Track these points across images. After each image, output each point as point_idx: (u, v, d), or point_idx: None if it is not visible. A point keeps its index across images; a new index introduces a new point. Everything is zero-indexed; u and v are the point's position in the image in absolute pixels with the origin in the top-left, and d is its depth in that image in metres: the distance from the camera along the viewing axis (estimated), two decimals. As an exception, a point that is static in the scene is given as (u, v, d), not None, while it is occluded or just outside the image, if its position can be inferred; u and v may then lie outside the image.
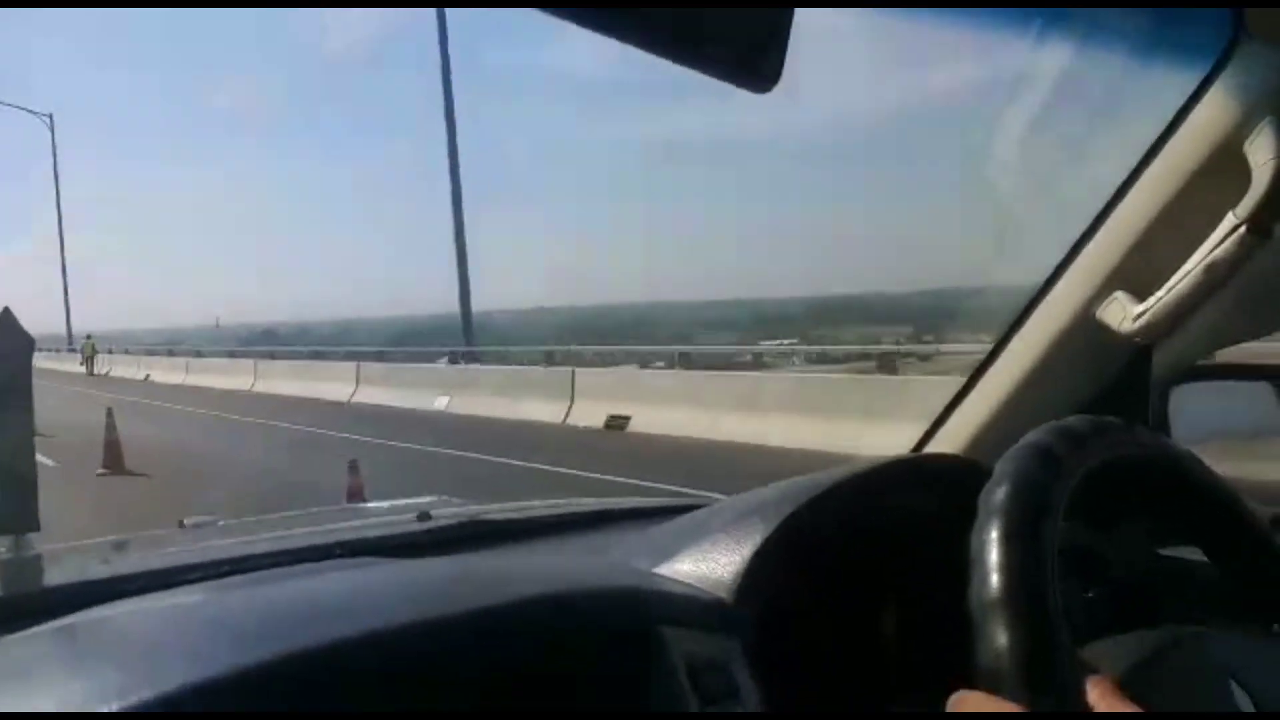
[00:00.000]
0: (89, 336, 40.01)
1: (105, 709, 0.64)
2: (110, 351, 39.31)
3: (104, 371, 36.07)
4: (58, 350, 44.11)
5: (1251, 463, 1.48)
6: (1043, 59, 1.23)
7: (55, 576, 1.30)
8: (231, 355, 31.22)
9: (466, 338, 25.14)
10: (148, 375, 32.06)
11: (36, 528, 1.31)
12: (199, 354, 33.62)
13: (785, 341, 25.27)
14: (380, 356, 24.67)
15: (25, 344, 1.35)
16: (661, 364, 19.11)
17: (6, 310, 1.36)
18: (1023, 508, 0.74)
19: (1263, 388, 1.49)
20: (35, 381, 1.37)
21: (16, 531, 1.29)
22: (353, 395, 21.08)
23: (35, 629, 0.90)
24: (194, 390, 26.05)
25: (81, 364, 36.82)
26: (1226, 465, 0.96)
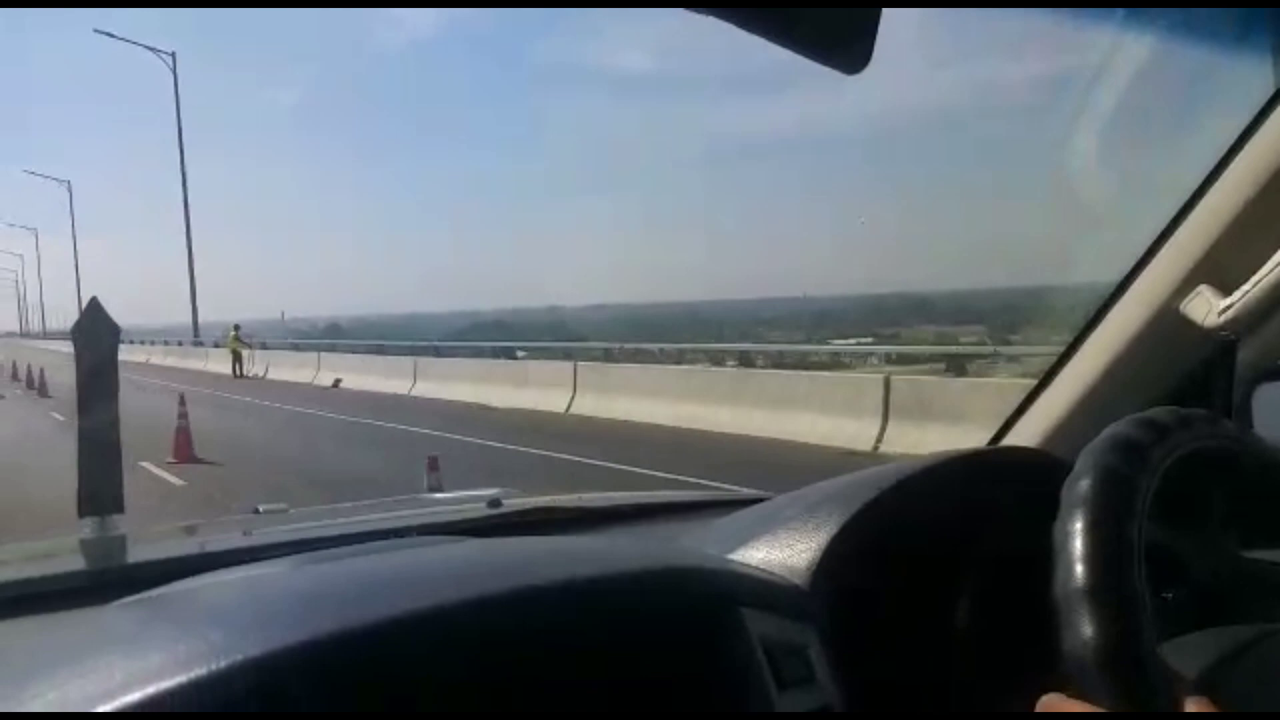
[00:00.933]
0: (236, 327, 30.94)
1: (207, 669, 0.67)
2: (265, 346, 31.67)
3: (258, 373, 28.19)
4: (180, 343, 38.90)
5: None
6: (1122, 53, 1.21)
7: (139, 554, 1.34)
8: (438, 352, 23.56)
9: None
10: (338, 381, 23.68)
11: (121, 510, 1.36)
12: (381, 349, 26.97)
13: (860, 341, 23.44)
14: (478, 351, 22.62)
15: (112, 333, 1.40)
16: (734, 362, 18.27)
17: (94, 300, 1.40)
18: (1108, 498, 0.73)
19: None
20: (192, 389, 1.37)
21: (102, 513, 1.34)
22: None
23: (128, 599, 0.93)
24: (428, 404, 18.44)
25: (234, 363, 28.84)
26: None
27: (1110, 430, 0.80)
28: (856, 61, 0.59)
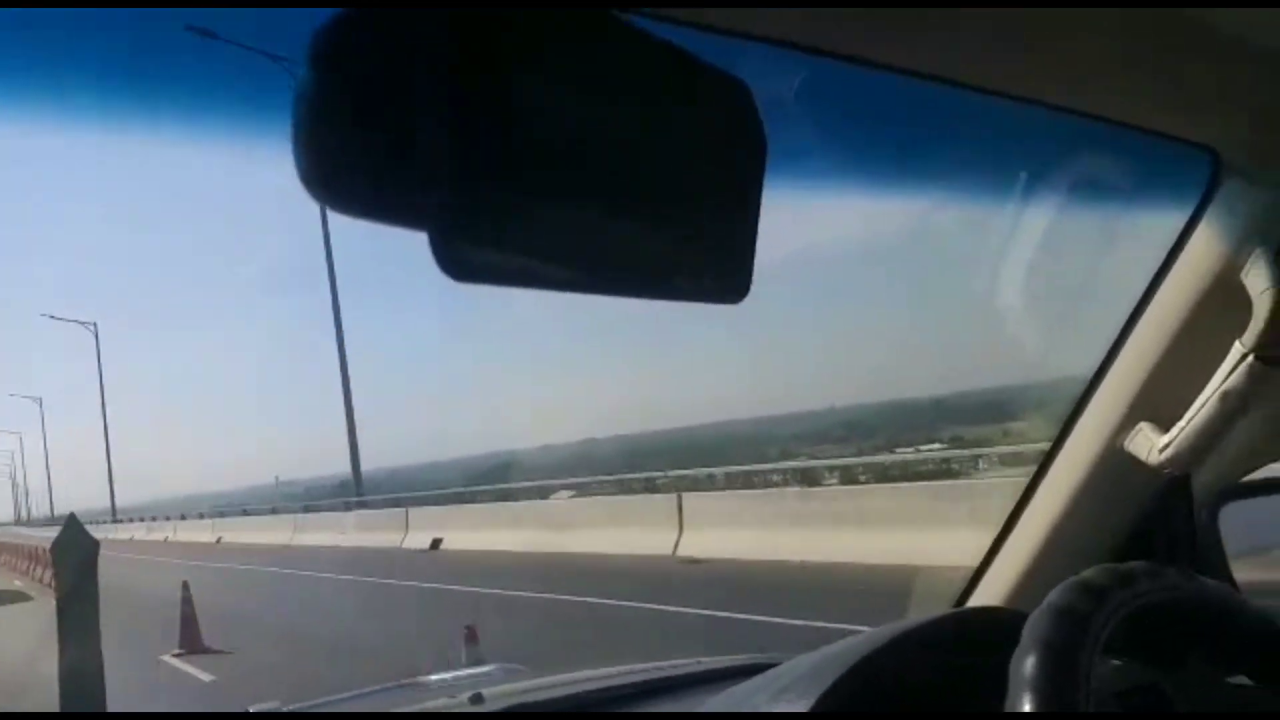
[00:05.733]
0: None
1: None
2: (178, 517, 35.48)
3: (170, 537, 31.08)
4: (155, 518, 40.55)
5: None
6: (1034, 208, 1.28)
7: None
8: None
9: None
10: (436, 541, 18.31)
11: (103, 706, 1.48)
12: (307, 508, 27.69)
13: (926, 447, 19.84)
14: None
15: (90, 546, 1.56)
16: (797, 481, 15.50)
17: (72, 516, 1.58)
18: (1051, 676, 0.74)
19: None
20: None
21: (83, 709, 1.46)
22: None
23: None
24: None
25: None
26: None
27: (1050, 600, 0.81)
28: (736, 295, 0.60)
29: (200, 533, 30.23)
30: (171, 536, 32.51)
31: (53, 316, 48.01)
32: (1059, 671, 0.74)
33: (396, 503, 22.98)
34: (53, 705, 1.42)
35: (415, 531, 19.02)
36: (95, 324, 45.91)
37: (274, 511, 29.23)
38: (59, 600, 1.45)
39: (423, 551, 17.89)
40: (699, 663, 1.62)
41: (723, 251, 0.58)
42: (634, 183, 0.53)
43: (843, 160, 1.03)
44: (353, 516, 22.54)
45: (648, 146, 0.54)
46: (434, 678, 2.03)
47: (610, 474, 21.65)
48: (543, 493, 19.75)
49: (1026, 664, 0.76)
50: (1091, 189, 1.25)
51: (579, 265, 0.53)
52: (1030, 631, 0.78)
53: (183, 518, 36.75)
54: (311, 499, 34.58)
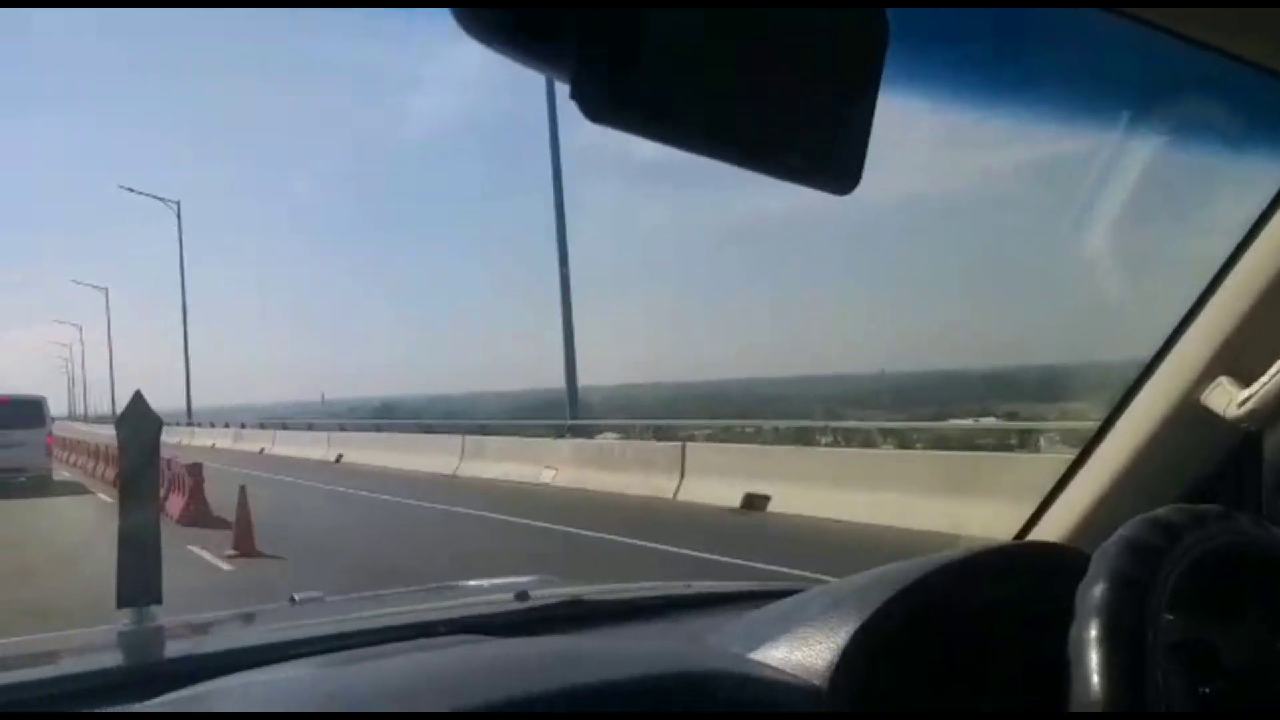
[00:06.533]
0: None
1: None
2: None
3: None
4: (194, 425, 39.06)
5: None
6: (1134, 146, 1.22)
7: (175, 649, 1.37)
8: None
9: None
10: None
11: (159, 601, 1.38)
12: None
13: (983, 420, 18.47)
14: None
15: (154, 425, 1.44)
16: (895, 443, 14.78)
17: (138, 394, 1.46)
18: (1120, 606, 0.73)
19: None
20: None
21: (140, 604, 1.37)
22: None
23: (163, 698, 0.96)
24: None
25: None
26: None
27: (1122, 533, 0.80)
28: (848, 183, 0.61)
29: (311, 447, 27.16)
30: (270, 449, 29.63)
31: (131, 190, 46.35)
32: (1129, 602, 0.73)
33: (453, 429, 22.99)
34: (109, 594, 1.35)
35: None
36: (178, 202, 44.25)
37: (377, 429, 27.64)
38: (121, 480, 1.38)
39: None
40: (737, 585, 1.64)
41: (839, 137, 0.60)
42: (761, 53, 0.56)
43: (949, 74, 1.02)
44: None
45: (778, 17, 0.56)
46: (472, 583, 2.04)
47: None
48: (591, 432, 19.91)
49: (1095, 591, 0.74)
50: (1193, 131, 1.21)
51: (704, 125, 0.56)
52: (1100, 562, 0.77)
53: (284, 427, 33.03)
54: (355, 419, 34.90)
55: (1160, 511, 0.82)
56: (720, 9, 0.54)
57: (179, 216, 44.04)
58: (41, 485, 20.72)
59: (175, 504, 13.49)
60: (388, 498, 15.98)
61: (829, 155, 0.60)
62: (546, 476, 16.61)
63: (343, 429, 29.23)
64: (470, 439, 20.67)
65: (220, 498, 12.72)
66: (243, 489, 10.90)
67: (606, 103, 0.50)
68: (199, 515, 13.04)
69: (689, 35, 0.53)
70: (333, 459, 25.04)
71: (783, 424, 18.34)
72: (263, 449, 29.93)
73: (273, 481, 18.55)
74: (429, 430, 24.55)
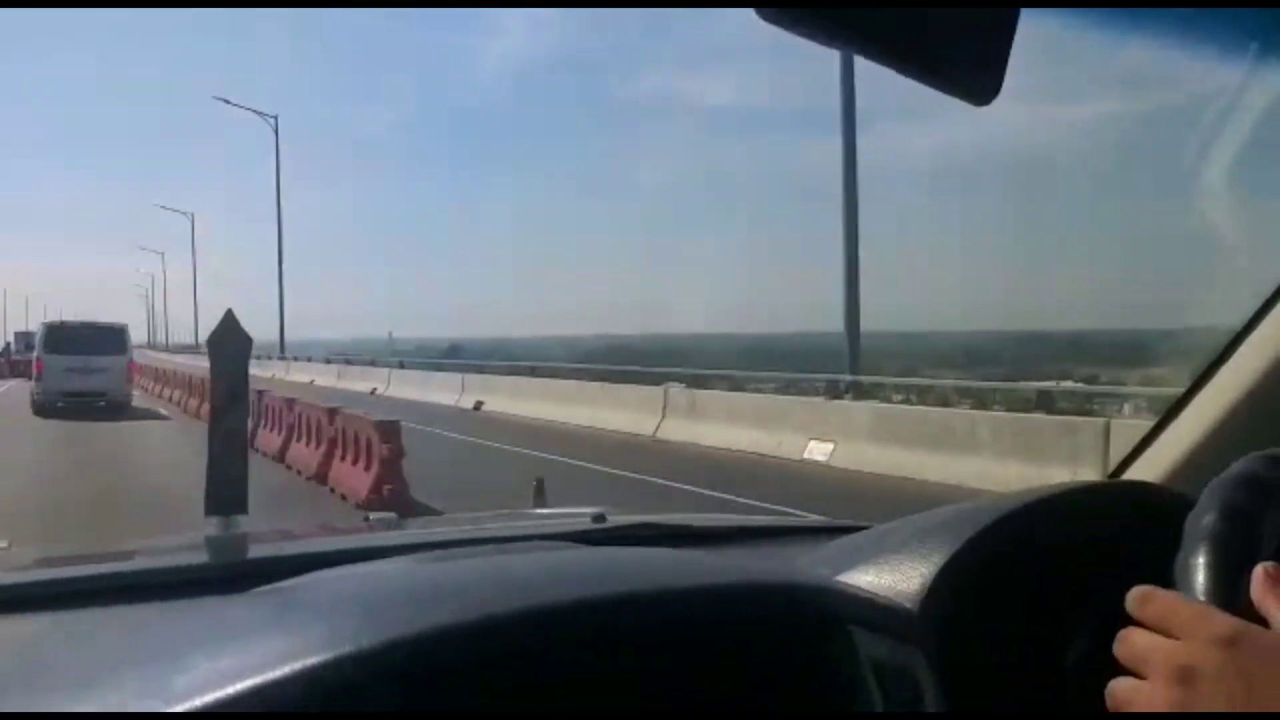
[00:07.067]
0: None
1: (334, 654, 0.71)
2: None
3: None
4: (347, 361, 35.09)
5: None
6: (1253, 90, 1.16)
7: (261, 551, 1.43)
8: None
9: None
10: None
11: (245, 510, 1.44)
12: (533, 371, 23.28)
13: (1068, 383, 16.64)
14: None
15: (245, 343, 1.49)
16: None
17: (229, 312, 1.50)
18: (1232, 534, 0.72)
19: None
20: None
21: (228, 513, 1.42)
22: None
23: (252, 591, 0.98)
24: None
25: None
26: None
27: (1238, 466, 0.78)
28: (987, 93, 0.62)
29: (437, 391, 24.50)
30: (384, 390, 27.07)
31: (227, 101, 43.56)
32: (1240, 531, 0.71)
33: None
34: (197, 511, 1.41)
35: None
36: (276, 116, 43.82)
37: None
38: (213, 399, 1.42)
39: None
40: (812, 519, 1.73)
41: (984, 49, 0.61)
42: None
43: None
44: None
45: None
46: (544, 510, 2.06)
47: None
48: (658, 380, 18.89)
49: (1206, 520, 0.73)
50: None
51: (862, 16, 0.58)
52: (1213, 492, 0.75)
53: (401, 365, 30.26)
54: (423, 358, 34.31)
55: (1275, 449, 0.79)
56: None
57: (276, 132, 43.26)
58: (119, 409, 21.65)
59: (354, 476, 9.73)
60: (599, 469, 12.36)
61: (974, 66, 0.61)
62: (817, 452, 13.03)
63: (480, 371, 25.98)
64: (674, 390, 16.96)
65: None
66: (539, 481, 6.49)
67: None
68: (396, 500, 9.06)
69: None
70: (469, 406, 22.13)
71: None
72: (375, 389, 27.70)
73: (431, 437, 15.23)
74: (602, 379, 20.29)
